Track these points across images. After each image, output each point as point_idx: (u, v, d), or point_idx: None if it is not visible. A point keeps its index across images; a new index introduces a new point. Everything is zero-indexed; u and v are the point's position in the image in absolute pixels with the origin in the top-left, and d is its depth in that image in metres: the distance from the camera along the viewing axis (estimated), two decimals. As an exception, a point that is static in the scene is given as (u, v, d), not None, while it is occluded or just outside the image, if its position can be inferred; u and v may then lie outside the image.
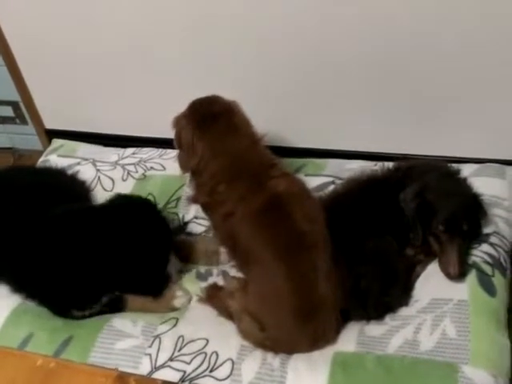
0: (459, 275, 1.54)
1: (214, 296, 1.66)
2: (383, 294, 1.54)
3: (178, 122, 1.66)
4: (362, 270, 1.54)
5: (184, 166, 1.68)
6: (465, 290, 1.52)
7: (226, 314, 1.60)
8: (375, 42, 1.81)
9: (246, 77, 2.02)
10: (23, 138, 2.59)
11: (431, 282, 1.59)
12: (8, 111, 2.51)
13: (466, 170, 1.77)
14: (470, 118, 1.88)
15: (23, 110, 2.48)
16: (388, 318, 1.55)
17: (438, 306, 1.52)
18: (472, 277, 1.54)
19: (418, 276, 1.62)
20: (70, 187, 1.98)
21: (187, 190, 1.92)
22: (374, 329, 1.53)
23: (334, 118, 2.03)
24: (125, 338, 1.59)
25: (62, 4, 2.05)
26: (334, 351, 1.48)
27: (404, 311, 1.55)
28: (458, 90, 1.83)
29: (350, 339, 1.51)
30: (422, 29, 1.74)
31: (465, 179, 1.67)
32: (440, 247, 1.58)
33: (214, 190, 1.58)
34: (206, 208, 1.69)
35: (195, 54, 2.03)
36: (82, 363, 1.45)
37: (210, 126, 1.59)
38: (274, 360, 1.48)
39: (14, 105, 2.48)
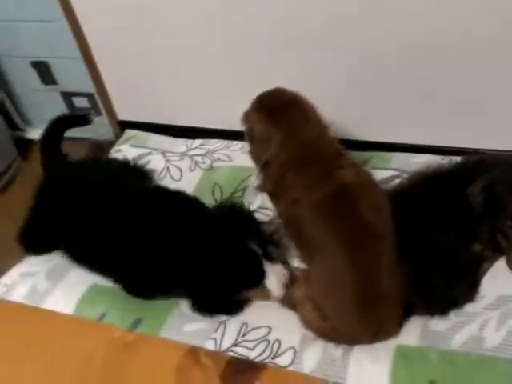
0: None
1: None
2: (448, 289, 1.52)
3: (249, 117, 1.66)
4: (427, 264, 1.52)
5: (258, 159, 1.66)
6: (533, 287, 1.49)
7: (289, 304, 1.62)
8: (440, 33, 1.78)
9: (310, 70, 2.03)
10: (97, 128, 2.68)
11: (498, 279, 1.56)
12: (84, 102, 2.62)
13: (538, 165, 1.72)
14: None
15: (98, 101, 2.58)
16: (452, 314, 1.53)
17: (505, 303, 1.49)
18: (541, 274, 1.51)
19: (484, 272, 1.59)
20: (135, 179, 2.04)
21: (254, 180, 1.95)
22: (438, 323, 1.52)
23: (402, 111, 2.01)
24: (191, 321, 1.64)
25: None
26: (397, 344, 1.48)
27: (469, 307, 1.53)
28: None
29: (413, 333, 1.51)
30: (482, 24, 1.71)
31: (535, 174, 1.63)
32: (507, 243, 1.54)
33: (282, 178, 1.58)
34: (272, 196, 1.69)
35: (259, 48, 2.06)
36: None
37: (283, 116, 1.59)
38: (336, 351, 1.49)
39: (89, 97, 2.59)
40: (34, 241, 1.91)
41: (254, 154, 1.70)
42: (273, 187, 1.64)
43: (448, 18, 1.75)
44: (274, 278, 1.64)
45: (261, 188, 1.71)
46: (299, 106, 1.61)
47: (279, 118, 1.59)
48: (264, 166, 1.63)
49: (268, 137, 1.59)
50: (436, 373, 1.40)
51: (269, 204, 1.82)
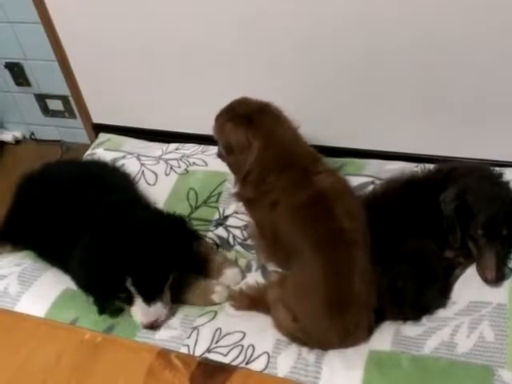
0: (496, 280, 1.53)
1: (243, 303, 1.68)
2: (420, 295, 1.53)
3: (223, 129, 1.65)
4: (400, 270, 1.54)
5: (239, 169, 1.65)
6: (504, 293, 1.51)
7: (263, 307, 1.62)
8: (418, 44, 1.80)
9: (285, 76, 2.04)
10: (71, 131, 2.67)
11: (470, 285, 1.58)
12: (58, 105, 2.59)
13: (510, 174, 1.74)
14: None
15: (72, 104, 2.55)
16: (425, 319, 1.54)
17: (477, 309, 1.51)
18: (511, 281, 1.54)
19: (456, 278, 1.61)
20: (115, 180, 2.04)
21: (229, 186, 1.95)
22: (410, 329, 1.53)
23: (375, 119, 2.03)
24: (164, 328, 1.62)
25: (113, 1, 2.11)
26: (370, 349, 1.49)
27: (441, 313, 1.55)
28: (503, 93, 1.81)
29: (385, 338, 1.52)
30: (468, 33, 1.73)
31: (507, 183, 1.65)
32: (478, 251, 1.57)
33: (262, 182, 1.59)
34: (250, 202, 1.69)
35: (238, 53, 2.06)
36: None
37: (258, 121, 1.60)
38: (309, 355, 1.50)
39: (63, 99, 2.56)
40: (12, 233, 1.91)
41: (234, 165, 1.69)
42: (252, 194, 1.64)
43: (419, 30, 1.78)
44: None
45: (238, 196, 1.71)
46: (271, 111, 1.63)
47: (255, 125, 1.60)
48: (246, 175, 1.63)
49: (248, 144, 1.59)
50: (408, 378, 1.41)
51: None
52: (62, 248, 1.73)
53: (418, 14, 1.75)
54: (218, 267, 1.76)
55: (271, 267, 1.73)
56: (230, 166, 1.71)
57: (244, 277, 1.78)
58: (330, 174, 1.59)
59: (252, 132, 1.59)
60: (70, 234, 1.69)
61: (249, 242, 1.87)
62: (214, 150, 2.13)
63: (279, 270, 1.67)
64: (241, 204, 1.80)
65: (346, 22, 1.84)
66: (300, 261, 1.52)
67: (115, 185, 1.94)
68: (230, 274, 1.75)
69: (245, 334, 1.58)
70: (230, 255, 1.85)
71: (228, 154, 1.68)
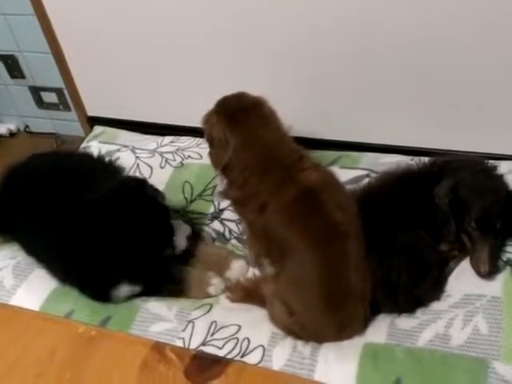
0: (489, 273, 1.53)
1: (239, 295, 1.69)
2: (414, 287, 1.54)
3: (209, 120, 1.66)
4: (394, 262, 1.54)
5: (217, 162, 1.66)
6: (498, 286, 1.52)
7: (258, 300, 1.62)
8: (413, 37, 1.80)
9: (281, 70, 2.03)
10: (66, 124, 2.66)
11: (464, 278, 1.58)
12: (52, 98, 2.58)
13: (504, 167, 1.75)
14: (510, 115, 1.86)
15: (67, 96, 2.54)
16: (419, 312, 1.55)
17: (471, 301, 1.51)
18: (506, 273, 1.54)
19: (451, 271, 1.62)
20: (106, 173, 2.02)
21: (219, 182, 1.95)
22: (404, 322, 1.53)
23: (371, 112, 2.03)
24: (159, 321, 1.63)
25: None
26: (365, 342, 1.49)
27: (436, 305, 1.55)
28: (498, 86, 1.81)
29: (380, 331, 1.52)
30: (462, 25, 1.73)
31: (501, 176, 1.65)
32: (472, 244, 1.57)
33: (245, 184, 1.58)
34: (238, 204, 1.69)
35: (234, 47, 2.06)
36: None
37: (241, 119, 1.59)
38: (305, 348, 1.50)
39: (58, 91, 2.54)
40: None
41: (213, 157, 1.69)
42: (237, 194, 1.64)
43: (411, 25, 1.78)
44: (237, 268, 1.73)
45: (224, 195, 1.71)
46: (259, 110, 1.61)
47: (237, 122, 1.59)
48: (223, 169, 1.63)
49: (225, 140, 1.59)
50: (402, 370, 1.41)
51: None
52: (44, 241, 1.72)
53: (417, 11, 1.74)
54: (223, 262, 1.76)
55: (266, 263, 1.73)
56: (210, 156, 1.72)
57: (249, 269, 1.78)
58: (315, 169, 1.57)
59: (231, 129, 1.58)
60: (53, 226, 1.68)
61: (244, 236, 1.87)
62: (209, 143, 2.14)
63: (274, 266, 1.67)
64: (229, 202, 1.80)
65: (344, 16, 1.83)
66: (295, 257, 1.52)
67: (102, 176, 1.92)
68: (236, 268, 1.75)
69: (240, 326, 1.59)
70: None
71: (209, 145, 1.70)
